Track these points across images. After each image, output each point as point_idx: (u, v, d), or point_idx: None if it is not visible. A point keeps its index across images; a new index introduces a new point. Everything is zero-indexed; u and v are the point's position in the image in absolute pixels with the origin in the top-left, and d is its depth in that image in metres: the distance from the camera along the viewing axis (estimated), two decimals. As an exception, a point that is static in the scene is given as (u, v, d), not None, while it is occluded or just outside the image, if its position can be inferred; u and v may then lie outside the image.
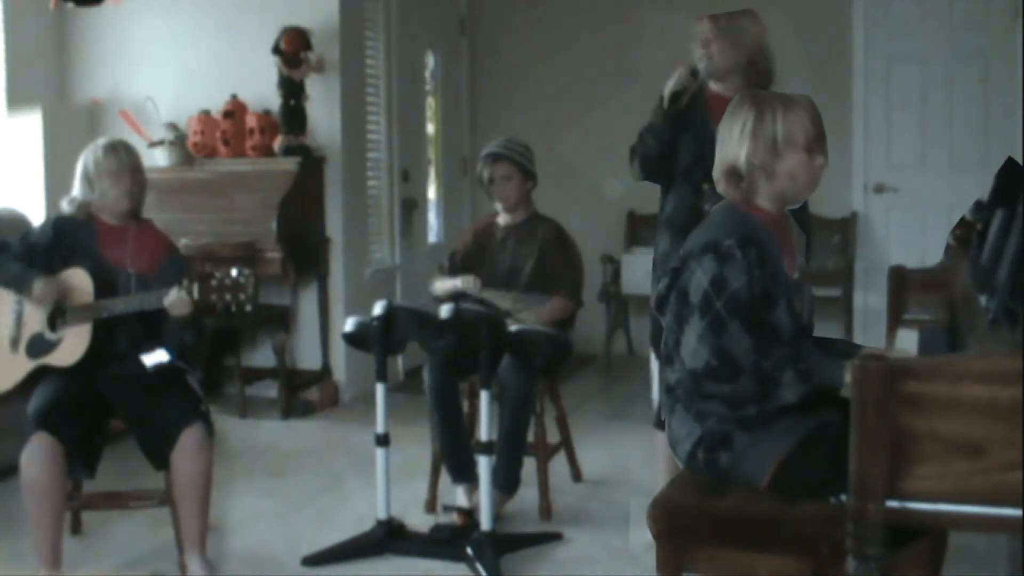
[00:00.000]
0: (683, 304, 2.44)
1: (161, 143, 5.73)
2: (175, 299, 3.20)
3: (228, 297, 3.22)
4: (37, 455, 3.14)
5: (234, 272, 3.24)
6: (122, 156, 3.44)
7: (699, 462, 2.47)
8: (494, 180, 4.13)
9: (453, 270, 4.19)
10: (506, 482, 3.84)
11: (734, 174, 2.49)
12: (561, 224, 4.23)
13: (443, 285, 4.15)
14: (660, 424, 3.47)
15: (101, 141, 3.52)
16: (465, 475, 3.89)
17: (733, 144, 2.48)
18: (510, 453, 3.82)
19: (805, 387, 2.34)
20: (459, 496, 3.92)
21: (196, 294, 3.20)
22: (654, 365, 3.49)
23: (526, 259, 4.12)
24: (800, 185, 2.50)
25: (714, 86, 3.41)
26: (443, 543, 3.61)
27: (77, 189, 3.48)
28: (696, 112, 3.35)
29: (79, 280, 3.37)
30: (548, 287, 4.10)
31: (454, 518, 3.79)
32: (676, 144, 3.37)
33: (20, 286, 3.35)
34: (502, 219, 4.22)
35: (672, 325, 2.51)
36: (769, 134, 2.45)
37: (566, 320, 4.17)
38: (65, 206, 3.50)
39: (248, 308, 3.24)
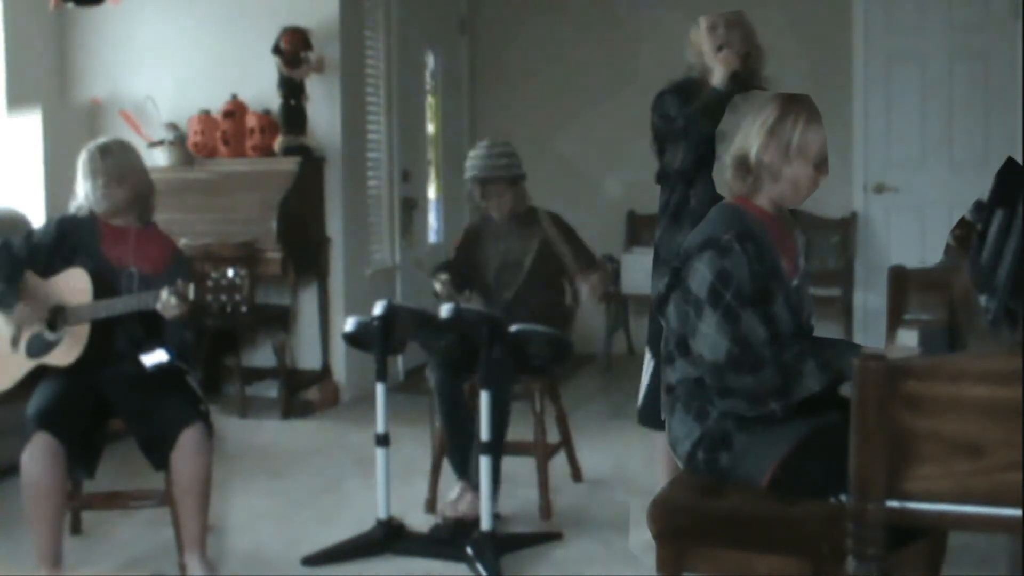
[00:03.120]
0: (688, 301, 2.45)
1: (161, 143, 5.73)
2: (164, 301, 3.19)
3: (224, 297, 3.22)
4: (37, 455, 3.14)
5: (230, 272, 3.23)
6: (96, 163, 3.43)
7: (699, 462, 2.47)
8: (489, 199, 4.13)
9: (457, 285, 4.17)
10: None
11: (743, 165, 2.51)
12: (554, 212, 4.25)
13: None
14: (644, 421, 3.49)
15: (91, 145, 3.52)
16: (468, 472, 3.89)
17: (751, 136, 2.50)
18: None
19: (827, 376, 2.35)
20: (451, 494, 3.91)
21: (192, 294, 3.19)
22: (647, 364, 3.50)
23: (525, 253, 4.13)
24: (799, 195, 2.54)
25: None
26: (443, 543, 3.62)
27: (77, 191, 3.50)
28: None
29: (79, 280, 3.37)
30: (555, 274, 4.14)
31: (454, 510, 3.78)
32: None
33: (2, 304, 3.36)
34: (496, 214, 4.22)
35: (675, 325, 2.51)
36: (785, 137, 2.47)
37: (566, 319, 4.18)
38: (71, 206, 3.52)
39: (244, 308, 3.24)
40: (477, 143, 4.28)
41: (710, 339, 2.40)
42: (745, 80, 3.38)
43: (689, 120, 3.33)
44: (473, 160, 4.15)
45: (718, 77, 3.33)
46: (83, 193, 3.47)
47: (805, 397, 2.38)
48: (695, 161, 3.36)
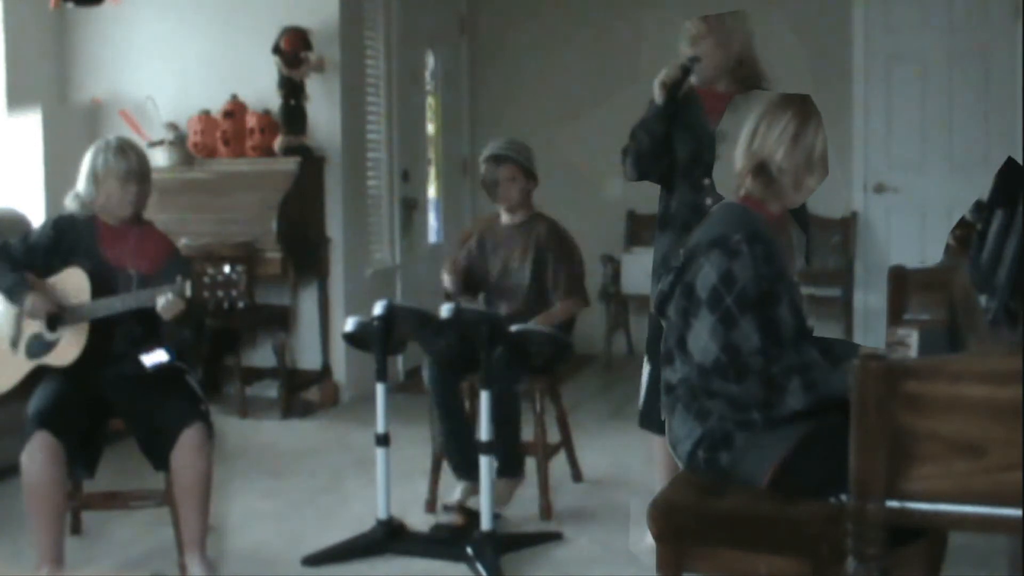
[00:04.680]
0: (690, 299, 2.45)
1: (161, 143, 5.73)
2: (164, 304, 3.18)
3: (220, 294, 3.22)
4: (38, 455, 3.14)
5: (227, 269, 3.24)
6: (132, 161, 3.41)
7: (699, 462, 2.47)
8: (498, 182, 4.14)
9: (458, 281, 4.19)
10: (507, 467, 3.81)
11: (763, 171, 2.51)
12: (558, 222, 4.24)
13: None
14: (644, 423, 3.49)
15: (113, 141, 3.47)
16: (468, 472, 3.88)
17: (769, 143, 2.50)
18: (504, 438, 3.72)
19: (811, 397, 2.35)
20: (457, 492, 3.91)
21: (190, 292, 3.19)
22: (645, 369, 3.50)
23: (524, 259, 4.13)
24: (806, 198, 2.58)
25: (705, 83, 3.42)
26: (443, 543, 3.62)
27: (82, 186, 3.44)
28: (690, 109, 3.36)
29: (77, 280, 3.37)
30: (548, 287, 4.11)
31: (454, 518, 3.78)
32: (672, 141, 3.36)
33: (12, 298, 3.36)
34: (504, 219, 4.22)
35: (677, 322, 2.51)
36: (808, 146, 2.50)
37: (568, 320, 4.17)
38: (69, 202, 3.48)
39: (241, 304, 3.24)
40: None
41: (702, 341, 2.40)
42: (741, 81, 3.38)
43: (632, 133, 3.37)
44: (491, 145, 4.22)
45: (655, 91, 3.33)
46: (103, 194, 3.40)
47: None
48: (640, 173, 3.39)
